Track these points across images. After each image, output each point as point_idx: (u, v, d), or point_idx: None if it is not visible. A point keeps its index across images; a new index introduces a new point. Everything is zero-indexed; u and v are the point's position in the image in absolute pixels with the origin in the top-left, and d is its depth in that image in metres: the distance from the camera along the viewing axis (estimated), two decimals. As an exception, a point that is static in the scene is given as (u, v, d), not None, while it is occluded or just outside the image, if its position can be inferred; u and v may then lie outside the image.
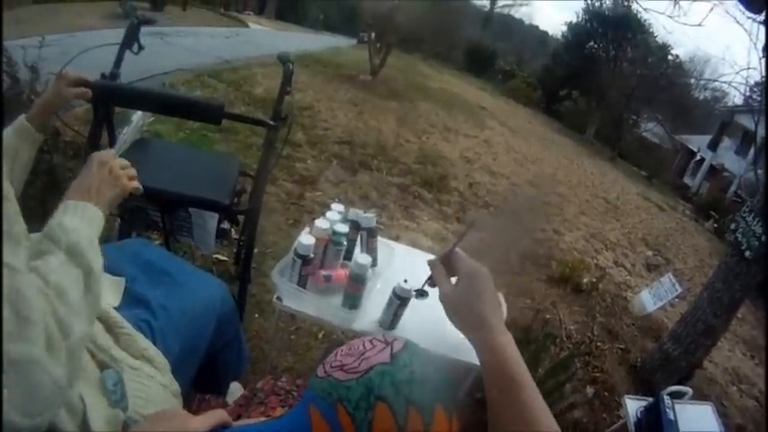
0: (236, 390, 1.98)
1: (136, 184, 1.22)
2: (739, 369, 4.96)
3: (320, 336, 2.96)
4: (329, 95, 9.73)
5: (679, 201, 18.11)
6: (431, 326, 1.79)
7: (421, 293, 1.95)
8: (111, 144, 1.91)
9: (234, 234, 2.35)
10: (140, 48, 1.85)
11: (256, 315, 2.91)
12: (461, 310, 0.93)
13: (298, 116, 6.96)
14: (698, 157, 25.57)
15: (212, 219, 2.08)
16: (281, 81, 1.77)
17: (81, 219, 0.99)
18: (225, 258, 3.11)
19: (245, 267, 2.14)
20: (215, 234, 2.13)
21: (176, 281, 1.40)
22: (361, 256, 1.68)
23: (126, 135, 2.02)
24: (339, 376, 0.69)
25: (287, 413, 0.80)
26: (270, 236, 3.79)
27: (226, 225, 2.20)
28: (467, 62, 34.92)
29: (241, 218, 2.26)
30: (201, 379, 1.50)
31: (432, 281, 1.06)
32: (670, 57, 27.00)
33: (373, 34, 14.06)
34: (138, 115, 2.07)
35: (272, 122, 1.72)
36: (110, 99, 1.64)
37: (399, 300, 1.65)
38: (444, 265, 1.02)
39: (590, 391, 3.58)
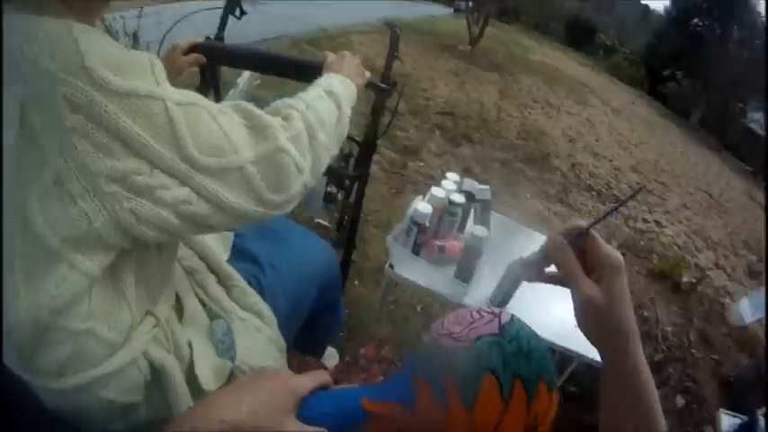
0: (330, 355, 2.00)
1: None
2: None
3: (419, 309, 2.93)
4: (428, 65, 9.60)
5: None
6: (541, 308, 1.75)
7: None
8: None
9: (339, 198, 2.37)
10: (242, 12, 1.83)
11: (356, 282, 2.91)
12: (604, 317, 0.69)
13: (399, 84, 6.91)
14: None
15: (321, 183, 2.09)
16: (389, 46, 1.73)
17: (340, 80, 1.17)
18: (326, 224, 3.13)
19: (352, 233, 2.14)
20: (323, 197, 2.15)
21: (284, 240, 1.41)
22: (477, 228, 1.67)
23: (231, 98, 2.02)
24: (448, 344, 0.68)
25: (390, 379, 0.79)
26: (371, 204, 3.76)
27: (332, 189, 2.19)
28: (566, 35, 33.74)
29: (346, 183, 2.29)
30: (300, 340, 1.51)
31: (537, 273, 0.81)
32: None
33: (471, 3, 13.76)
34: (243, 79, 2.06)
35: (382, 85, 1.68)
36: (218, 58, 1.65)
37: (514, 276, 1.62)
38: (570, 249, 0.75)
39: (680, 401, 3.45)
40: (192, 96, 0.74)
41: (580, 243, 0.73)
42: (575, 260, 0.72)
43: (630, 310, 0.72)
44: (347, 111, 1.10)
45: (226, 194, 0.76)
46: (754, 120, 24.73)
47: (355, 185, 2.05)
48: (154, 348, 0.86)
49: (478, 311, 0.72)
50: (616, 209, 0.79)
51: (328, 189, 2.19)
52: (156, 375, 0.87)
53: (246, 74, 2.08)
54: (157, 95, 0.68)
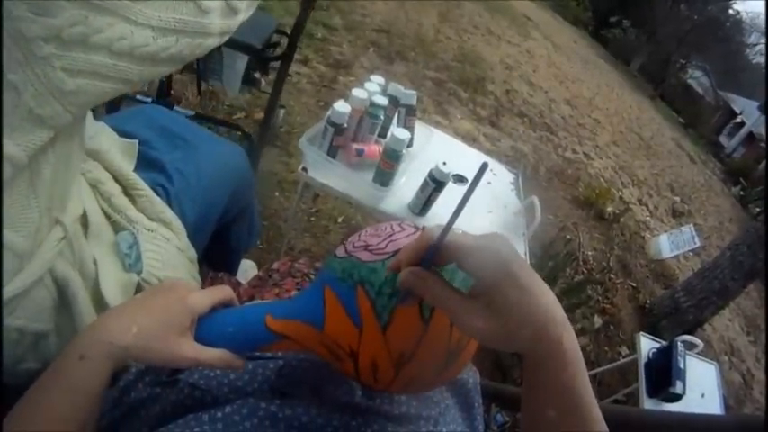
0: (248, 268, 1.98)
1: None
2: (735, 341, 4.97)
3: (340, 220, 2.92)
4: (370, -19, 9.34)
5: (711, 158, 17.68)
6: (461, 219, 1.69)
7: (460, 179, 1.85)
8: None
9: (263, 85, 2.34)
10: None
11: (276, 194, 2.86)
12: (511, 325, 0.49)
13: (335, 0, 6.70)
14: (738, 120, 24.77)
15: (242, 60, 2.21)
16: None
17: None
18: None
19: (269, 114, 2.16)
20: (242, 77, 2.25)
21: (193, 145, 1.32)
22: (398, 131, 1.58)
23: None
24: (363, 256, 0.61)
25: (298, 294, 0.71)
26: (298, 117, 3.69)
27: (257, 74, 2.32)
28: (517, -29, 33.58)
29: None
30: (213, 253, 1.46)
31: (406, 298, 0.57)
32: (731, 11, 25.83)
33: None
34: None
35: None
36: None
37: (435, 183, 1.57)
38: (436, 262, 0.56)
39: (598, 321, 3.61)
40: None
41: (433, 259, 0.55)
42: (437, 282, 0.53)
43: (548, 301, 0.51)
44: None
45: (162, 14, 0.69)
46: (694, 77, 25.89)
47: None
48: (60, 264, 0.81)
49: (399, 224, 0.66)
50: (464, 201, 0.56)
51: (254, 74, 2.34)
52: (65, 298, 0.82)
53: None
54: None
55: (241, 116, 3.30)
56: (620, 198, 6.09)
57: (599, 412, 0.51)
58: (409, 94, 1.82)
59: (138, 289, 0.95)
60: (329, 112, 1.60)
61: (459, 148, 2.24)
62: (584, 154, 6.66)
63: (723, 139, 24.02)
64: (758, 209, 3.38)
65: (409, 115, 1.84)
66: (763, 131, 21.69)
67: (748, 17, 26.85)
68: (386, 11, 7.51)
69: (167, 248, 1.05)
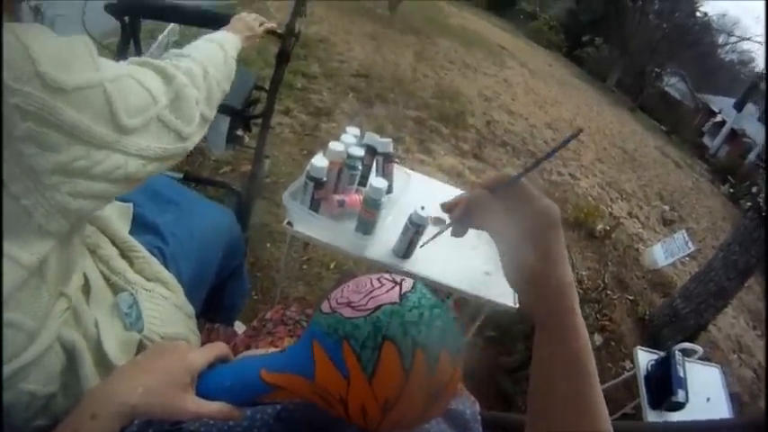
0: (236, 327, 1.98)
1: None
2: (741, 338, 4.97)
3: (332, 266, 2.94)
4: (345, 29, 9.44)
5: (696, 160, 17.80)
6: (447, 257, 1.75)
7: (438, 221, 1.90)
8: (139, 58, 2.04)
9: (247, 140, 2.44)
10: None
11: (268, 245, 2.91)
12: (546, 279, 0.61)
13: (313, 48, 6.83)
14: (718, 119, 24.96)
15: (224, 121, 2.24)
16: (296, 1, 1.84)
17: (223, 32, 1.35)
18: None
19: (255, 170, 2.22)
20: (226, 137, 2.29)
21: (183, 208, 1.40)
22: (376, 180, 1.63)
23: (152, 52, 2.20)
24: (346, 313, 0.65)
25: (289, 347, 0.76)
26: (283, 166, 3.76)
27: (240, 132, 2.35)
28: (488, 1, 34.10)
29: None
30: (209, 309, 1.51)
31: (456, 228, 0.74)
32: (698, 14, 26.35)
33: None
34: (163, 34, 2.23)
35: (278, 31, 1.80)
36: (138, 12, 1.82)
37: (415, 227, 1.61)
38: (490, 194, 0.67)
39: (598, 338, 3.61)
40: (120, 68, 0.81)
41: (504, 195, 0.65)
42: (500, 214, 0.64)
43: (569, 272, 0.62)
44: (232, 54, 1.25)
45: (151, 145, 0.84)
46: (671, 84, 26.13)
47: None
48: (66, 330, 0.87)
49: (379, 279, 0.70)
50: (551, 154, 0.66)
51: (236, 132, 2.35)
52: (71, 360, 0.88)
53: (166, 31, 2.24)
54: (97, 82, 0.72)
55: (228, 170, 3.39)
56: (610, 214, 6.11)
57: (599, 387, 0.61)
58: (385, 142, 1.87)
59: (141, 346, 1.00)
60: (308, 167, 1.64)
61: (438, 187, 2.26)
62: (570, 175, 6.70)
63: (706, 140, 24.14)
64: (749, 203, 3.40)
65: (387, 162, 1.88)
66: (745, 127, 21.90)
67: (716, 18, 27.47)
68: (363, 55, 7.65)
69: (166, 306, 1.10)
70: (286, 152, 4.02)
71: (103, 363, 0.92)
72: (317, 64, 6.36)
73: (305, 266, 2.86)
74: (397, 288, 0.67)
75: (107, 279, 1.05)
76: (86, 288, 0.98)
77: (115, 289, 1.04)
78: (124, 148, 0.79)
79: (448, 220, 1.07)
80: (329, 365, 0.64)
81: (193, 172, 2.74)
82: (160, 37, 2.19)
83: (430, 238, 0.86)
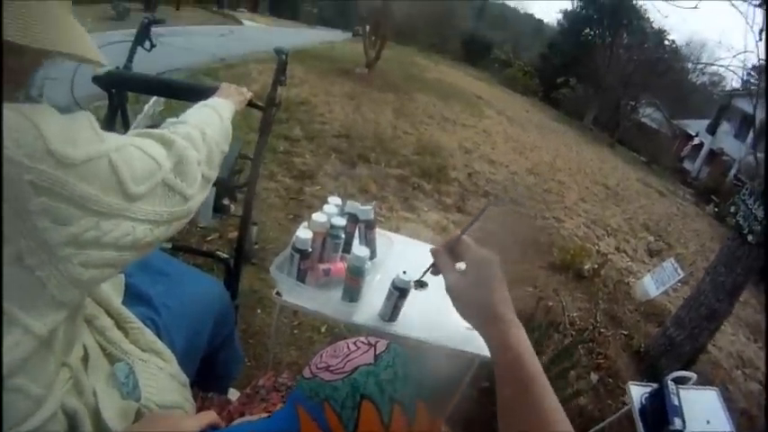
0: (230, 395, 1.98)
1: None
2: (743, 353, 4.97)
3: (323, 330, 2.96)
4: (325, 90, 9.73)
5: (679, 185, 18.04)
6: (432, 317, 1.80)
7: (420, 284, 1.94)
8: (126, 129, 2.06)
9: (233, 209, 2.49)
10: (152, 45, 2.03)
11: (258, 311, 2.91)
12: (471, 302, 0.83)
13: (294, 111, 6.98)
14: (696, 141, 25.36)
15: (210, 192, 2.21)
16: (276, 70, 1.89)
17: (216, 99, 1.41)
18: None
19: (242, 238, 2.21)
20: (212, 206, 2.32)
21: (174, 279, 1.42)
22: (359, 249, 1.68)
23: (138, 122, 2.22)
24: (325, 377, 0.71)
25: (275, 413, 0.82)
26: (270, 232, 3.80)
27: (226, 201, 2.38)
28: (463, 53, 34.99)
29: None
30: (203, 377, 1.52)
31: (435, 269, 0.94)
32: (666, 42, 27.30)
33: (368, 27, 14.02)
34: (149, 105, 2.26)
35: (258, 104, 1.84)
36: (126, 86, 1.89)
37: (398, 291, 1.64)
38: (449, 253, 0.91)
39: (594, 377, 3.58)
40: (121, 138, 0.85)
41: (456, 246, 0.88)
42: (445, 258, 0.88)
43: (501, 297, 0.80)
44: (227, 116, 1.31)
45: (157, 209, 0.88)
46: (646, 114, 26.42)
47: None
48: (68, 398, 0.88)
49: (355, 342, 0.76)
50: (472, 223, 0.91)
51: (223, 201, 2.37)
52: (72, 428, 0.88)
53: (152, 101, 2.26)
54: (103, 153, 0.76)
55: (215, 237, 3.43)
56: (598, 251, 6.14)
57: (548, 387, 0.72)
58: (366, 210, 1.90)
59: (139, 414, 1.01)
60: (293, 240, 1.65)
61: (421, 248, 2.26)
62: (555, 218, 6.74)
63: (687, 164, 24.44)
64: (735, 220, 3.41)
65: (369, 229, 1.91)
66: (723, 146, 22.19)
67: (683, 42, 28.13)
68: (343, 116, 7.81)
69: (161, 376, 1.12)
70: (272, 217, 4.07)
71: (100, 429, 0.93)
72: (298, 127, 6.50)
73: (296, 331, 2.87)
74: (372, 350, 0.73)
75: (104, 349, 1.07)
76: (85, 357, 1.00)
77: (111, 359, 1.06)
78: (133, 215, 0.82)
79: (429, 283, 1.26)
80: (313, 427, 0.69)
81: (182, 241, 2.78)
82: (146, 107, 2.25)
83: (423, 272, 0.99)
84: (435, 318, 1.80)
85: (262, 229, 3.65)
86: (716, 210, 14.18)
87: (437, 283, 0.93)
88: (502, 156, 9.03)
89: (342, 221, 1.81)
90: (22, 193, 0.66)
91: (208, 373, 1.58)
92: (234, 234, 3.37)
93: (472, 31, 37.01)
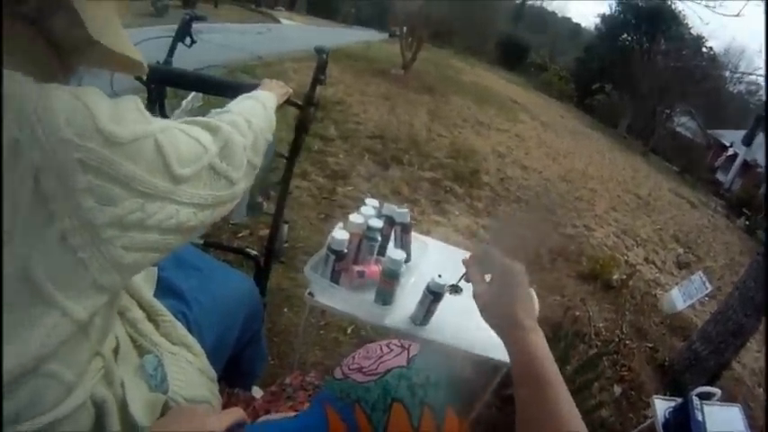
0: (254, 392, 1.98)
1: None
2: None
3: (349, 331, 2.97)
4: (361, 90, 9.74)
5: (711, 197, 17.52)
6: (462, 323, 1.78)
7: (455, 289, 1.92)
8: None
9: (265, 207, 2.53)
10: (192, 41, 2.01)
11: (285, 309, 2.93)
12: (494, 308, 0.91)
13: (330, 111, 7.00)
14: (730, 152, 24.51)
15: (246, 190, 2.21)
16: (315, 68, 1.88)
17: (259, 91, 1.42)
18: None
19: (273, 236, 2.22)
20: (246, 204, 2.32)
21: (206, 275, 1.44)
22: (394, 252, 1.68)
23: (176, 117, 2.16)
24: (358, 378, 0.72)
25: (301, 413, 0.84)
26: (301, 231, 3.82)
27: (259, 199, 2.39)
28: (499, 56, 34.69)
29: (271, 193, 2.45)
30: (228, 373, 1.52)
31: (466, 277, 1.01)
32: (704, 49, 26.47)
33: (405, 28, 14.03)
34: (187, 100, 2.22)
35: (297, 102, 1.83)
36: (166, 81, 1.86)
37: (432, 295, 1.64)
38: (479, 263, 0.98)
39: (617, 389, 3.55)
40: (167, 121, 0.84)
41: (484, 256, 0.96)
42: (475, 267, 0.97)
43: (523, 306, 0.87)
44: (270, 106, 1.32)
45: (202, 193, 0.87)
46: (681, 123, 25.76)
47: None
48: (98, 388, 0.87)
49: (388, 345, 0.77)
50: (497, 234, 0.99)
51: (257, 199, 2.37)
52: (99, 418, 0.87)
53: (190, 97, 2.24)
54: (150, 133, 0.76)
55: (246, 234, 3.46)
56: (626, 262, 6.06)
57: (564, 393, 0.78)
58: (403, 213, 1.92)
59: (166, 407, 1.00)
60: (329, 240, 1.67)
61: (454, 253, 2.27)
62: (585, 226, 6.66)
63: (720, 176, 23.73)
64: (766, 233, 3.30)
65: (404, 232, 1.94)
66: (757, 157, 21.59)
67: (722, 50, 27.38)
68: (378, 116, 7.82)
69: (190, 370, 1.12)
70: (304, 216, 4.09)
71: (128, 422, 0.92)
72: (333, 126, 6.50)
73: (322, 332, 2.88)
74: (405, 353, 0.74)
75: (134, 341, 1.06)
76: (115, 349, 0.98)
77: (141, 351, 1.06)
78: (177, 198, 0.82)
79: (464, 288, 1.31)
80: (342, 427, 0.69)
81: (213, 237, 2.78)
82: (184, 102, 2.23)
83: (459, 278, 1.10)
84: (466, 324, 1.81)
85: (292, 228, 3.66)
86: (747, 223, 13.79)
87: (467, 288, 1.01)
88: (535, 161, 8.95)
89: (379, 223, 1.82)
90: (70, 171, 0.65)
91: (233, 369, 1.58)
92: (264, 232, 3.35)
93: (509, 34, 36.65)
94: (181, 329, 1.17)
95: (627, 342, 4.26)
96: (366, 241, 1.82)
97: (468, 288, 1.05)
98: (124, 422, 0.92)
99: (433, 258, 2.05)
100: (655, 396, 2.55)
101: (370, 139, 6.66)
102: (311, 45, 1.98)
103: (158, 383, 1.01)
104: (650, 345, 4.42)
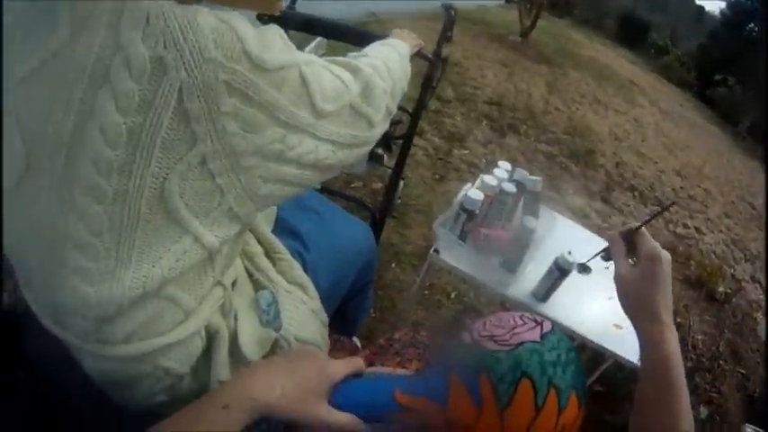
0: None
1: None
2: None
3: (453, 296, 2.95)
4: (478, 54, 9.52)
5: None
6: (581, 305, 1.77)
7: (584, 268, 1.89)
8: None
9: (386, 161, 2.53)
10: None
11: (393, 265, 2.96)
12: (636, 294, 0.87)
13: (447, 72, 6.82)
14: None
15: None
16: (443, 26, 1.86)
17: (393, 40, 1.38)
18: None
19: (391, 191, 2.24)
20: (368, 155, 2.28)
21: (326, 219, 1.43)
22: (528, 219, 1.66)
23: None
24: (489, 346, 0.69)
25: (423, 372, 0.82)
26: (414, 189, 3.83)
27: (380, 150, 2.37)
28: (618, 32, 33.13)
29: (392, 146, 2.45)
30: (333, 321, 1.48)
31: (606, 255, 0.99)
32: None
33: (523, -6, 13.59)
34: (311, 46, 2.20)
35: (429, 56, 1.80)
36: (289, 24, 1.80)
37: (560, 271, 1.62)
38: (625, 240, 0.94)
39: (704, 411, 3.43)
40: (308, 55, 0.82)
41: (631, 238, 0.93)
42: (620, 248, 0.92)
43: (665, 298, 0.84)
44: (405, 54, 1.29)
45: (342, 131, 0.87)
46: None
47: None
48: (214, 317, 0.89)
49: (521, 317, 0.74)
50: (657, 215, 1.00)
51: (377, 150, 2.36)
52: (210, 346, 0.90)
53: (314, 43, 2.23)
54: (294, 63, 0.75)
55: (359, 185, 3.51)
56: (732, 276, 5.75)
57: (688, 401, 0.77)
58: (535, 181, 1.90)
59: (275, 345, 1.01)
60: (461, 199, 1.68)
61: (583, 234, 2.29)
62: (696, 228, 6.40)
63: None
64: None
65: (534, 200, 1.89)
66: None
67: None
68: (495, 82, 7.67)
69: (303, 310, 1.11)
70: (418, 174, 4.08)
71: (236, 355, 0.93)
72: (450, 87, 6.43)
73: (426, 292, 2.88)
74: (539, 328, 0.71)
75: (250, 275, 1.07)
76: (233, 281, 0.99)
77: (256, 286, 1.07)
78: (318, 133, 0.82)
79: (593, 269, 1.42)
80: (464, 393, 0.68)
81: (327, 185, 2.84)
82: (307, 48, 2.19)
83: (594, 255, 1.05)
84: (585, 307, 1.77)
85: (406, 185, 3.64)
86: None
87: (599, 269, 0.96)
88: (651, 150, 8.54)
89: (512, 188, 1.80)
90: (216, 93, 0.65)
91: (339, 316, 1.58)
92: (377, 185, 3.50)
93: (630, 9, 35.06)
94: (297, 269, 1.17)
95: (721, 362, 4.09)
96: (497, 204, 1.80)
97: (597, 269, 1.02)
98: (232, 354, 0.93)
99: (561, 234, 2.00)
100: (747, 425, 2.52)
101: (487, 105, 6.55)
102: (425, 4, 1.93)
103: (271, 320, 1.01)
104: (743, 371, 4.21)
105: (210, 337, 0.89)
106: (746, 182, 11.66)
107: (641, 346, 0.84)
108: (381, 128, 1.04)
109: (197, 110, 0.64)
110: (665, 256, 0.87)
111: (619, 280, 0.90)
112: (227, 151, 0.69)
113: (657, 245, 0.88)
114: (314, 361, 0.79)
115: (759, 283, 6.09)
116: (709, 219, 7.08)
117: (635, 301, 0.87)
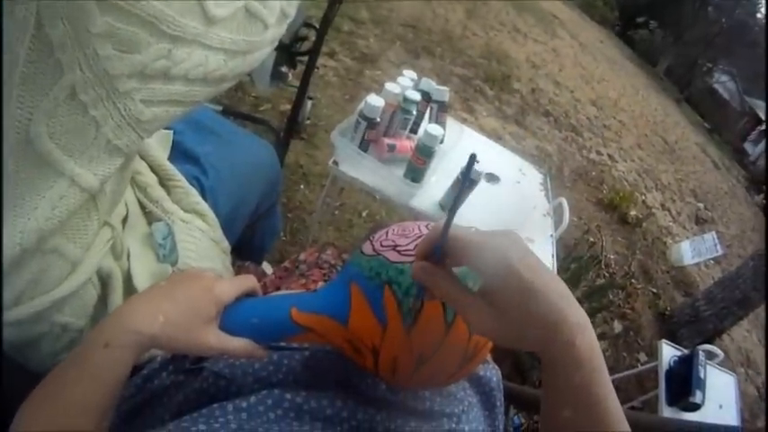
0: (264, 268, 1.98)
1: None
2: (751, 353, 4.87)
3: (364, 214, 2.94)
4: (397, -23, 9.29)
5: (735, 164, 17.17)
6: (490, 215, 1.74)
7: (491, 177, 1.84)
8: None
9: (290, 78, 2.47)
10: None
11: (302, 186, 2.89)
12: (513, 327, 0.50)
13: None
14: (763, 127, 24.11)
15: (270, 56, 2.12)
16: None
17: None
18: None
19: (296, 108, 2.19)
20: (270, 72, 2.20)
21: (225, 141, 1.34)
22: (432, 127, 1.58)
23: None
24: (391, 256, 0.62)
25: (323, 287, 0.73)
26: (324, 109, 3.72)
27: (284, 68, 2.27)
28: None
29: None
30: (239, 246, 1.45)
31: (423, 299, 0.60)
32: (759, 15, 25.40)
33: None
34: None
35: None
36: None
37: (468, 181, 1.53)
38: (443, 263, 0.55)
39: (618, 326, 3.60)
40: None
41: (448, 251, 0.53)
42: (448, 280, 0.54)
43: (561, 294, 0.49)
44: None
45: (234, 37, 0.75)
46: (720, 82, 25.44)
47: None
48: (105, 261, 0.84)
49: (427, 225, 0.67)
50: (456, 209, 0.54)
51: (281, 68, 2.26)
52: (104, 291, 0.85)
53: None
54: None
55: (267, 108, 3.35)
56: (644, 202, 6.06)
57: (620, 413, 0.49)
58: (441, 90, 1.83)
59: None
60: (362, 106, 1.59)
61: (491, 146, 2.25)
62: (609, 156, 6.63)
63: (748, 146, 23.46)
64: None
65: (441, 111, 1.84)
66: None
67: None
68: (412, 6, 7.48)
69: (202, 240, 1.06)
70: (328, 95, 3.97)
71: (131, 294, 0.88)
72: (365, 9, 6.24)
73: (337, 212, 2.84)
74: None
75: (143, 207, 1.01)
76: (124, 218, 0.94)
77: (150, 218, 1.00)
78: (208, 42, 0.71)
79: (501, 178, 1.01)
80: (366, 310, 0.61)
81: (231, 107, 2.70)
82: None
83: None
84: (496, 216, 1.74)
85: (315, 105, 3.56)
86: (765, 201, 13.55)
87: (508, 177, 0.76)
88: (568, 80, 8.71)
89: (416, 96, 1.71)
90: (84, 13, 0.55)
91: (245, 241, 1.52)
92: (286, 107, 3.32)
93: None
94: (194, 196, 1.10)
95: (633, 281, 4.30)
96: (400, 113, 1.73)
97: (504, 179, 0.87)
98: (128, 293, 0.88)
99: (468, 146, 1.95)
100: (663, 341, 2.52)
101: (402, 27, 6.40)
102: None
103: (167, 253, 0.97)
104: (654, 290, 4.48)
105: (104, 282, 0.84)
106: (660, 118, 12.20)
107: (545, 369, 0.52)
108: (276, 31, 0.89)
109: (60, 36, 0.56)
110: (508, 241, 0.52)
111: (476, 328, 0.52)
112: (101, 78, 0.60)
113: (490, 237, 0.52)
114: (198, 282, 0.69)
115: (668, 210, 6.46)
116: (622, 148, 7.34)
117: (517, 334, 0.50)
